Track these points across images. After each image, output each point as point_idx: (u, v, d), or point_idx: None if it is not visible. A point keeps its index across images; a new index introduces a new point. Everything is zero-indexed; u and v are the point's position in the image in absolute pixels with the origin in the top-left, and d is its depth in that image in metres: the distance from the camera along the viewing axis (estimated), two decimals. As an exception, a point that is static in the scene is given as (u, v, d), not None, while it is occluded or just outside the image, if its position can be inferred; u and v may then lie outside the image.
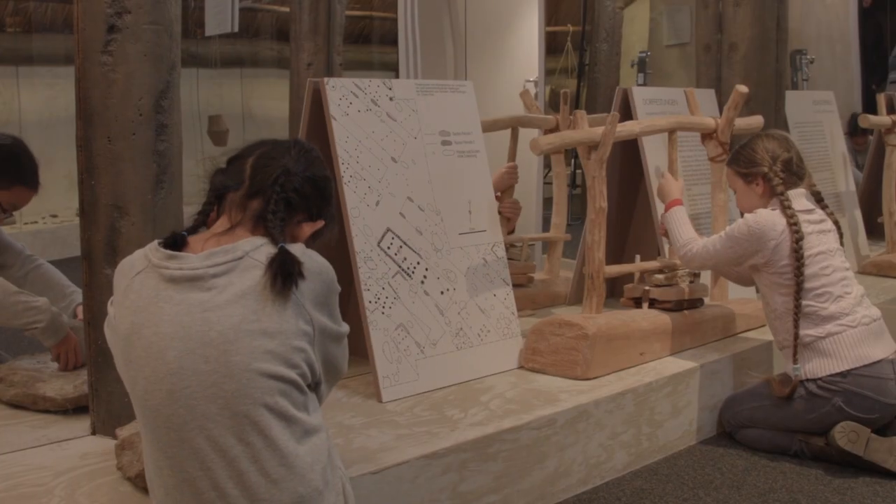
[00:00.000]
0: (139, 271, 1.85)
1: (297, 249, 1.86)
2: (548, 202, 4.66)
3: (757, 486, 2.96)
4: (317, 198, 2.00)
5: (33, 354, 3.07)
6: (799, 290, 3.12)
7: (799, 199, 3.24)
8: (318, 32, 5.19)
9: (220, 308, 1.78)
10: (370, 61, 8.59)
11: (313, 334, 1.85)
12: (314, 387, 1.91)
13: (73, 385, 2.79)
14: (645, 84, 8.03)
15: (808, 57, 8.00)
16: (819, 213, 3.27)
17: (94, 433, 2.61)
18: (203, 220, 1.94)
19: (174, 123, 2.55)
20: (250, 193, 1.93)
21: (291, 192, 1.94)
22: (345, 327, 1.97)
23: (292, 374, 1.81)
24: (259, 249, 1.84)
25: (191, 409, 1.77)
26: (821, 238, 3.20)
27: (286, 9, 6.86)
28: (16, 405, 2.83)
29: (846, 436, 3.03)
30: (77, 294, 3.16)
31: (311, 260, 1.88)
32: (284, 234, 1.90)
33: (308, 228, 1.99)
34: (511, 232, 4.14)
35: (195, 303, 1.79)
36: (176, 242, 1.87)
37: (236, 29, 6.09)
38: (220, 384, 1.76)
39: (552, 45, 8.12)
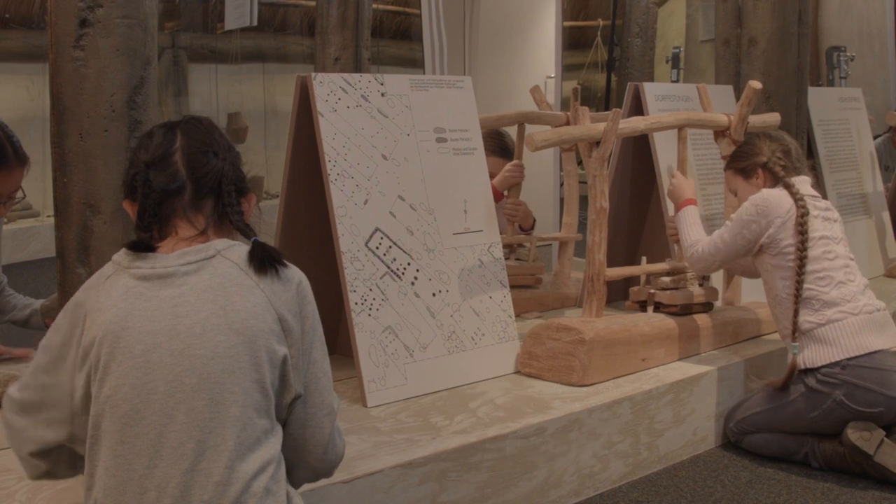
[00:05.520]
0: (109, 276, 1.82)
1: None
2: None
3: (759, 500, 2.84)
4: (243, 174, 1.94)
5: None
6: (801, 269, 3.02)
7: (804, 185, 3.18)
8: (346, 26, 5.12)
9: (190, 303, 1.77)
10: (411, 58, 8.52)
11: (283, 334, 1.81)
12: (280, 390, 1.85)
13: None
14: (678, 80, 7.87)
15: (848, 54, 7.78)
16: (825, 202, 3.20)
17: (68, 435, 2.55)
18: (151, 235, 1.84)
19: (149, 120, 2.50)
20: (200, 195, 1.86)
21: (237, 181, 1.90)
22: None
23: (254, 374, 1.77)
24: (231, 249, 1.83)
25: (150, 402, 1.73)
26: (825, 224, 3.12)
27: (311, 3, 6.81)
28: (-5, 405, 2.80)
29: (859, 433, 2.91)
30: (34, 302, 3.13)
31: (288, 267, 1.86)
32: (249, 226, 1.89)
33: (246, 206, 1.93)
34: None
35: (166, 298, 1.77)
36: (146, 246, 1.82)
37: (255, 23, 6.05)
38: (181, 378, 1.73)
39: (581, 40, 7.97)
